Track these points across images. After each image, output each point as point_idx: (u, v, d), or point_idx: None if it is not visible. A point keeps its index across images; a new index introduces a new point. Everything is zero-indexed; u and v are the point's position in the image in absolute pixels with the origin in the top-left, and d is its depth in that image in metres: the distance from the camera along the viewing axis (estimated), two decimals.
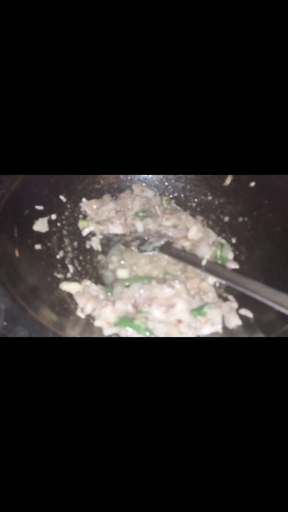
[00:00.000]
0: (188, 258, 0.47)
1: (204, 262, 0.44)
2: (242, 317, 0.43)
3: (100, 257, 0.55)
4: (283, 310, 0.33)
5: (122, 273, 0.52)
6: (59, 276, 0.48)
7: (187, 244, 0.56)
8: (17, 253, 0.43)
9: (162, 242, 0.52)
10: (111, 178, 0.62)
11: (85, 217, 0.58)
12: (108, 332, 0.41)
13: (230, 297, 0.47)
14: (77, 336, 0.36)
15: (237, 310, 0.45)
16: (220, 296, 0.48)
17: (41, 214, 0.51)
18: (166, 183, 0.63)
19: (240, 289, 0.39)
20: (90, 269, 0.53)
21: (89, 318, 0.44)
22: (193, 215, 0.60)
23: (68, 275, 0.50)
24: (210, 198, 0.61)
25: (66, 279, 0.49)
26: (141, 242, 0.53)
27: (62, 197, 0.56)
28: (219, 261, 0.54)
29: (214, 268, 0.43)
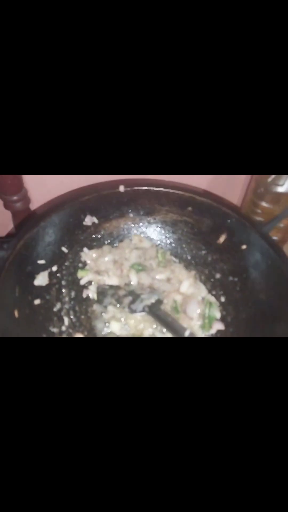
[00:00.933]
0: (172, 326, 0.50)
1: (187, 334, 0.47)
2: None
3: (95, 306, 0.59)
4: None
5: (115, 326, 0.56)
6: (54, 330, 0.52)
7: (178, 298, 0.59)
8: (16, 314, 0.47)
9: (153, 300, 0.56)
10: (111, 228, 0.66)
11: (84, 266, 0.62)
12: None
13: None
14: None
15: None
16: None
17: (42, 268, 0.55)
18: (164, 235, 0.67)
19: None
20: (85, 320, 0.57)
21: None
22: (187, 267, 0.64)
23: (63, 328, 0.54)
24: (204, 252, 0.64)
25: (60, 333, 0.53)
26: (133, 299, 0.56)
27: (64, 248, 0.60)
28: (207, 320, 0.57)
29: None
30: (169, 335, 0.53)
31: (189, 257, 0.65)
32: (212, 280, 0.62)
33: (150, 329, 0.55)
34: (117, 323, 0.55)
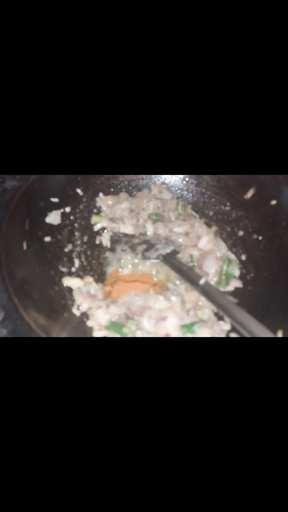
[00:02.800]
0: (187, 274, 0.47)
1: (202, 282, 0.44)
2: None
3: (107, 253, 0.56)
4: None
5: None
6: (64, 269, 0.50)
7: (195, 254, 0.56)
8: (25, 246, 0.45)
9: (168, 250, 0.52)
10: (131, 175, 0.62)
11: (99, 212, 0.59)
12: (98, 333, 0.43)
13: (226, 317, 0.47)
14: (65, 336, 0.38)
15: (228, 333, 0.44)
16: (216, 314, 0.48)
17: (55, 207, 0.53)
18: (187, 187, 0.62)
19: (229, 319, 0.39)
20: (96, 265, 0.55)
21: (83, 317, 0.46)
22: (208, 224, 0.59)
23: (73, 269, 0.52)
24: (228, 208, 0.59)
25: (70, 273, 0.51)
26: (148, 247, 0.53)
27: (79, 190, 0.57)
28: (224, 277, 0.53)
29: (210, 290, 0.43)
30: (181, 286, 0.50)
31: (211, 213, 0.60)
32: (234, 237, 0.57)
33: (160, 275, 0.52)
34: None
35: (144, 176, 0.62)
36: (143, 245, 0.54)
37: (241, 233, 0.57)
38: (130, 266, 0.54)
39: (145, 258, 0.52)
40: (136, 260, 0.54)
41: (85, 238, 0.56)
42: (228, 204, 0.59)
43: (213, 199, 0.60)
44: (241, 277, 0.53)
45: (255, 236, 0.55)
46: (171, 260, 0.50)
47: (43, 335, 0.33)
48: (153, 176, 0.62)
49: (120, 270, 0.54)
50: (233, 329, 0.44)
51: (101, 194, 0.59)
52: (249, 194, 0.56)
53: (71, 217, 0.56)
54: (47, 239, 0.50)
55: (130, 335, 0.42)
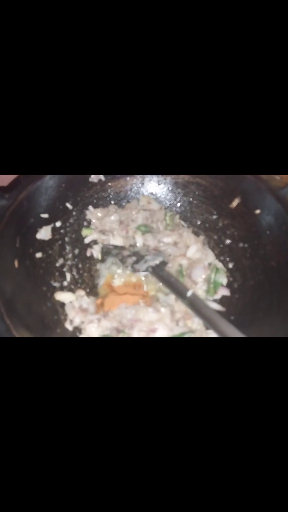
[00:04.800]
0: (174, 286, 0.48)
1: (189, 294, 0.46)
2: None
3: (98, 265, 0.58)
4: None
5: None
6: (56, 284, 0.51)
7: (184, 263, 0.57)
8: (16, 264, 0.46)
9: (157, 261, 0.54)
10: (119, 187, 0.63)
11: (89, 225, 0.60)
12: None
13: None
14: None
15: None
16: (204, 324, 0.50)
17: (45, 222, 0.53)
18: (174, 197, 0.63)
19: (215, 332, 0.40)
20: (87, 277, 0.56)
21: (76, 331, 0.47)
22: (196, 232, 0.61)
23: (65, 283, 0.53)
24: (215, 217, 0.60)
25: (62, 287, 0.52)
26: (137, 259, 0.55)
27: (68, 205, 0.58)
28: (212, 285, 0.55)
29: (196, 303, 0.44)
30: (171, 296, 0.52)
31: (198, 222, 0.62)
32: (221, 246, 0.59)
33: (150, 286, 0.53)
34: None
35: (132, 187, 0.63)
36: (132, 257, 0.55)
37: (228, 241, 0.58)
38: (121, 278, 0.55)
39: (135, 270, 0.53)
40: (127, 272, 0.55)
41: (76, 251, 0.57)
42: (214, 212, 0.60)
43: (200, 208, 0.62)
44: (229, 285, 0.55)
45: (241, 244, 0.56)
46: (159, 272, 0.51)
47: None
48: (141, 187, 0.63)
49: (112, 281, 0.56)
50: None
51: (90, 207, 0.60)
52: (234, 203, 0.58)
53: (62, 231, 0.57)
54: (39, 255, 0.51)
55: None
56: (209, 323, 0.41)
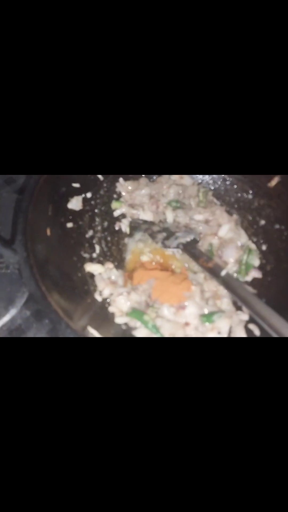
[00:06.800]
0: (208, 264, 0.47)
1: (223, 273, 0.44)
2: (248, 332, 0.44)
3: (126, 240, 0.57)
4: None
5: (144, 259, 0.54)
6: (85, 255, 0.51)
7: (215, 242, 0.55)
8: (48, 232, 0.46)
9: (188, 239, 0.52)
10: None
11: (119, 198, 0.59)
12: (119, 320, 0.44)
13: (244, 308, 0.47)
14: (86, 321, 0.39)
15: (246, 323, 0.45)
16: (235, 304, 0.49)
17: (76, 192, 0.53)
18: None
19: (249, 311, 0.39)
20: (115, 251, 0.55)
21: (105, 302, 0.47)
22: (229, 211, 0.58)
23: (94, 255, 0.53)
24: (251, 196, 0.58)
25: (91, 259, 0.52)
26: (168, 235, 0.53)
27: (99, 176, 0.56)
28: (243, 267, 0.53)
29: (231, 282, 0.43)
30: (200, 275, 0.51)
31: (232, 200, 0.59)
32: (255, 226, 0.56)
33: (179, 263, 0.52)
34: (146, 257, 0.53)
35: None
36: (162, 233, 0.54)
37: (262, 222, 0.56)
38: (149, 254, 0.54)
39: (165, 246, 0.52)
40: (155, 248, 0.54)
41: (105, 224, 0.57)
42: (250, 192, 0.58)
43: (235, 186, 0.59)
44: (261, 268, 0.53)
45: (277, 226, 0.54)
46: (191, 249, 0.50)
47: (67, 320, 0.34)
48: None
49: (139, 256, 0.55)
50: (252, 320, 0.45)
51: (121, 179, 0.59)
52: (273, 182, 0.55)
53: (92, 202, 0.56)
54: (69, 225, 0.51)
55: (150, 323, 0.43)
56: (244, 302, 0.40)
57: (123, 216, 0.58)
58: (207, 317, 0.44)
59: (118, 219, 0.58)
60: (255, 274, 0.52)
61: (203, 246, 0.55)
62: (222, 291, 0.49)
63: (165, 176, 0.61)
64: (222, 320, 0.44)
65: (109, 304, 0.47)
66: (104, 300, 0.47)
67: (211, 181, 0.61)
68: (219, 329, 0.44)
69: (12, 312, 0.50)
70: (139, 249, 0.55)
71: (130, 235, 0.57)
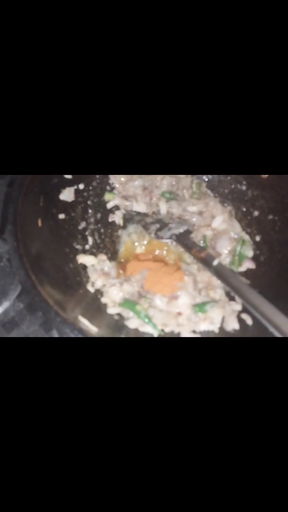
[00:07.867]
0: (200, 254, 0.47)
1: (215, 263, 0.44)
2: (241, 321, 0.44)
3: (120, 232, 0.56)
4: (276, 333, 0.33)
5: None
6: (78, 247, 0.51)
7: (209, 233, 0.55)
8: (39, 223, 0.45)
9: (181, 230, 0.52)
10: None
11: (112, 189, 0.58)
12: (111, 310, 0.44)
13: (237, 298, 0.47)
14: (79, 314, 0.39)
15: (239, 313, 0.45)
16: (227, 294, 0.48)
17: (68, 183, 0.52)
18: None
19: (242, 300, 0.39)
20: (109, 243, 0.55)
21: (97, 293, 0.47)
22: (222, 202, 0.58)
23: (87, 246, 0.52)
24: (244, 187, 0.57)
25: (84, 251, 0.51)
26: (161, 226, 0.53)
27: None
28: (237, 257, 0.53)
29: (223, 272, 0.43)
30: (194, 266, 0.51)
31: (226, 191, 0.59)
32: (249, 217, 0.56)
33: (172, 255, 0.52)
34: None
35: None
36: (156, 224, 0.53)
37: (256, 213, 0.55)
38: (142, 245, 0.54)
39: (158, 237, 0.52)
40: (148, 239, 0.54)
41: (98, 216, 0.56)
42: (244, 182, 0.57)
43: (229, 177, 0.59)
44: (254, 258, 0.53)
45: (270, 217, 0.54)
46: (184, 240, 0.50)
47: (59, 310, 0.34)
48: None
49: (132, 248, 0.55)
50: (245, 310, 0.45)
51: None
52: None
53: (85, 194, 0.55)
54: (61, 216, 0.50)
55: (142, 313, 0.43)
56: (236, 292, 0.40)
57: (116, 208, 0.58)
58: (200, 307, 0.44)
59: (112, 211, 0.57)
60: (248, 264, 0.52)
61: (196, 237, 0.54)
62: (215, 281, 0.49)
63: None
64: (215, 310, 0.44)
65: (101, 295, 0.47)
66: (97, 291, 0.47)
67: None
68: (212, 319, 0.44)
69: (5, 304, 0.49)
70: (133, 241, 0.55)
71: (124, 227, 0.56)
